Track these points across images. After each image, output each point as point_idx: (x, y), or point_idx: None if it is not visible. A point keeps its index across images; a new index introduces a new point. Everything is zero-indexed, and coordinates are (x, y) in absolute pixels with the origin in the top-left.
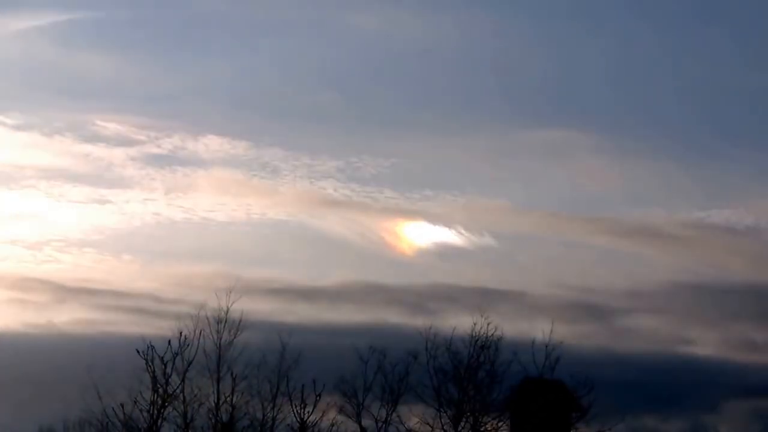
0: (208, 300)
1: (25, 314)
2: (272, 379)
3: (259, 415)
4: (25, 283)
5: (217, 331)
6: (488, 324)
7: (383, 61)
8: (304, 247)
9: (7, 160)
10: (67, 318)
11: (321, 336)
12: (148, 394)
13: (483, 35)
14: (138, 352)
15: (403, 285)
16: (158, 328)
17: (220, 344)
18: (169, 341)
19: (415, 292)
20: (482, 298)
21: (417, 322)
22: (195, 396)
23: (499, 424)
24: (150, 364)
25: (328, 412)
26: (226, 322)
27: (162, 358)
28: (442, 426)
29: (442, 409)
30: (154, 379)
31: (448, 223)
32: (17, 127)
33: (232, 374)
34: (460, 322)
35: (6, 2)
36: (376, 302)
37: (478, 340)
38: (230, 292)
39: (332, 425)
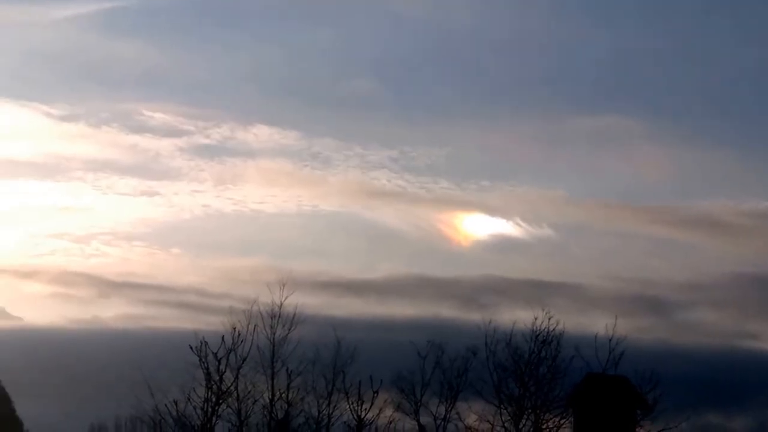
0: (255, 294)
1: (70, 309)
2: (327, 375)
3: (315, 412)
4: (70, 278)
5: (271, 326)
6: (549, 318)
7: (437, 49)
8: (355, 240)
9: (53, 151)
10: (112, 313)
11: (373, 330)
12: (201, 391)
13: (535, 21)
14: (191, 348)
15: (455, 278)
16: (205, 323)
17: (274, 339)
18: (223, 337)
19: (468, 285)
20: (537, 290)
21: (470, 316)
22: (249, 393)
23: (562, 422)
24: (203, 360)
25: (385, 409)
26: (279, 317)
27: (215, 354)
28: (503, 423)
29: (502, 406)
30: (207, 375)
31: (505, 214)
32: (63, 118)
33: (287, 370)
34: (515, 316)
35: None
36: (427, 295)
37: (539, 334)
38: (283, 286)
39: (390, 423)
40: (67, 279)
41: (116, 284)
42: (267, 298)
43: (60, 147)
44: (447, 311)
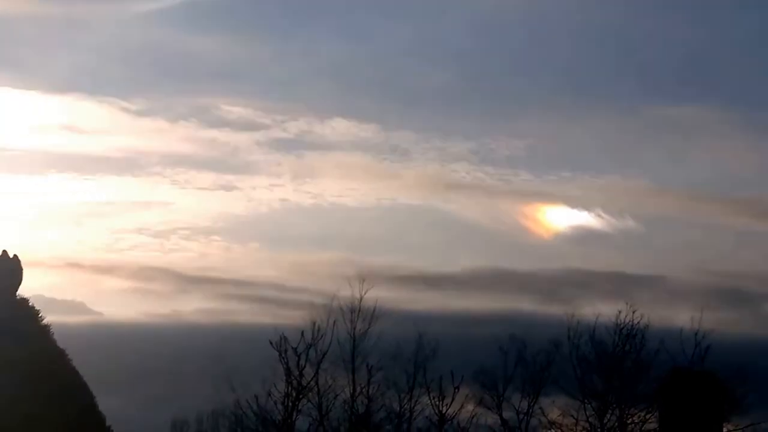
0: (333, 288)
1: (149, 304)
2: (408, 370)
3: (396, 407)
4: (149, 273)
5: (351, 321)
6: (633, 311)
7: (516, 41)
8: (434, 233)
9: (131, 146)
10: (191, 308)
11: (452, 324)
12: (281, 386)
13: (614, 11)
14: (271, 343)
15: (535, 271)
16: (283, 318)
17: (354, 334)
18: (303, 332)
19: (548, 278)
20: (620, 283)
21: (551, 309)
22: (329, 387)
23: (647, 416)
24: (283, 356)
25: (466, 404)
26: (359, 311)
27: (295, 350)
28: (587, 418)
29: (586, 401)
30: (287, 370)
31: (586, 205)
32: (141, 113)
33: (367, 365)
34: (597, 309)
35: None
36: (507, 289)
37: (623, 328)
38: (363, 280)
39: (471, 417)
40: (145, 274)
41: (194, 279)
42: (346, 293)
43: (138, 142)
44: (527, 305)
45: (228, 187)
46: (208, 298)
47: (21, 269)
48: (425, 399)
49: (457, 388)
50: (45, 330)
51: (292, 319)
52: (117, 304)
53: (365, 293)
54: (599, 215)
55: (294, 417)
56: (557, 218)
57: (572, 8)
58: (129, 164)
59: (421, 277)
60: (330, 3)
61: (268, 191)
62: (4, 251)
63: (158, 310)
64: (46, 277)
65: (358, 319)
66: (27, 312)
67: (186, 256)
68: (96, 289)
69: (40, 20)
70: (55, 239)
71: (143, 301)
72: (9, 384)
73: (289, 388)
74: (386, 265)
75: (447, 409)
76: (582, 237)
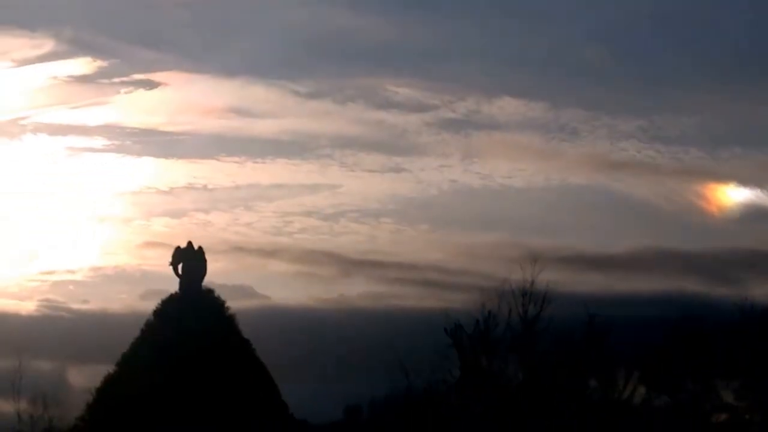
0: (495, 270)
1: (315, 288)
2: (580, 353)
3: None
4: (314, 256)
5: (523, 305)
6: None
7: (682, 14)
8: (603, 213)
9: (300, 129)
10: (356, 292)
11: (619, 305)
12: (455, 372)
13: None
14: (446, 330)
15: (705, 250)
16: (447, 301)
17: (526, 318)
18: (477, 321)
19: (719, 257)
20: None
21: (719, 291)
22: (503, 372)
23: None
24: (458, 343)
25: (639, 387)
26: (531, 294)
27: (470, 336)
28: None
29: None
30: (462, 358)
31: (760, 183)
32: (309, 95)
33: (538, 349)
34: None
35: None
36: (675, 269)
37: None
38: (535, 262)
39: (644, 401)
40: (311, 257)
41: (358, 262)
42: (514, 275)
43: (307, 125)
44: (694, 286)
45: (397, 169)
46: (372, 281)
47: (205, 260)
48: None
49: (630, 371)
50: (231, 321)
51: (457, 302)
52: (284, 287)
53: (537, 275)
54: None
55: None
56: (729, 197)
57: None
58: (298, 147)
59: (587, 258)
60: None
61: (438, 172)
62: (189, 242)
63: (325, 295)
64: (216, 262)
65: (530, 302)
66: (213, 302)
67: (350, 239)
68: (262, 273)
69: (207, 4)
70: (224, 223)
71: (309, 284)
72: (197, 375)
73: (465, 374)
74: (551, 246)
75: (620, 394)
76: (755, 216)
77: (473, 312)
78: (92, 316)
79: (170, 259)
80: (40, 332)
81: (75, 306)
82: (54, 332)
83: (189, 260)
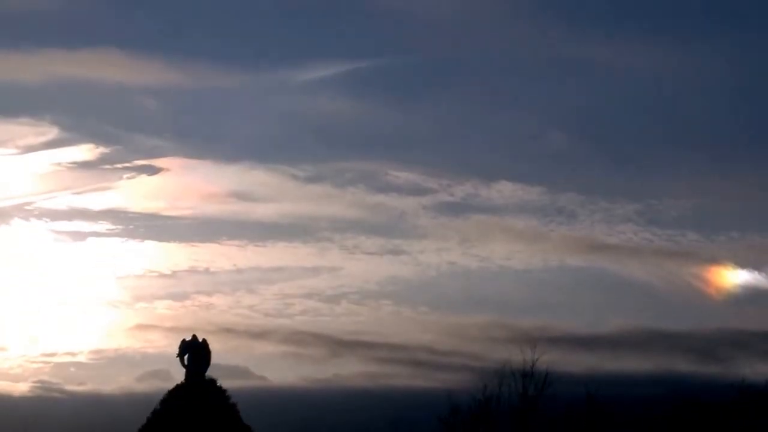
0: (483, 350)
1: (306, 369)
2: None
3: None
4: (305, 338)
5: (524, 385)
6: None
7: (676, 101)
8: (601, 294)
9: (301, 212)
10: (348, 371)
11: (608, 385)
12: None
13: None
14: (439, 419)
15: (689, 331)
16: (439, 381)
17: (527, 398)
18: (476, 399)
19: (709, 338)
20: None
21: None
22: None
23: None
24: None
25: None
26: (532, 375)
27: (470, 418)
28: None
29: None
30: None
31: (756, 265)
32: (309, 179)
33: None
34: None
35: (292, 55)
36: (670, 350)
37: None
38: (535, 346)
39: None
40: (304, 339)
41: (348, 343)
42: (499, 355)
43: (307, 208)
44: (681, 365)
45: (396, 252)
46: (362, 361)
47: (209, 352)
48: None
49: None
50: (233, 409)
51: (449, 382)
52: (278, 368)
53: (538, 359)
54: None
55: None
56: (726, 278)
57: (720, 68)
58: (299, 230)
59: (575, 338)
60: (489, 68)
61: (436, 255)
62: (194, 335)
63: (318, 375)
64: (215, 342)
65: (531, 383)
66: (217, 392)
67: (339, 320)
68: (257, 353)
69: (209, 92)
70: (226, 305)
71: (301, 365)
72: None
73: None
74: (541, 326)
75: None
76: (748, 297)
77: (473, 392)
78: (85, 397)
79: (177, 351)
80: (32, 413)
81: (69, 387)
82: (45, 413)
83: (194, 352)
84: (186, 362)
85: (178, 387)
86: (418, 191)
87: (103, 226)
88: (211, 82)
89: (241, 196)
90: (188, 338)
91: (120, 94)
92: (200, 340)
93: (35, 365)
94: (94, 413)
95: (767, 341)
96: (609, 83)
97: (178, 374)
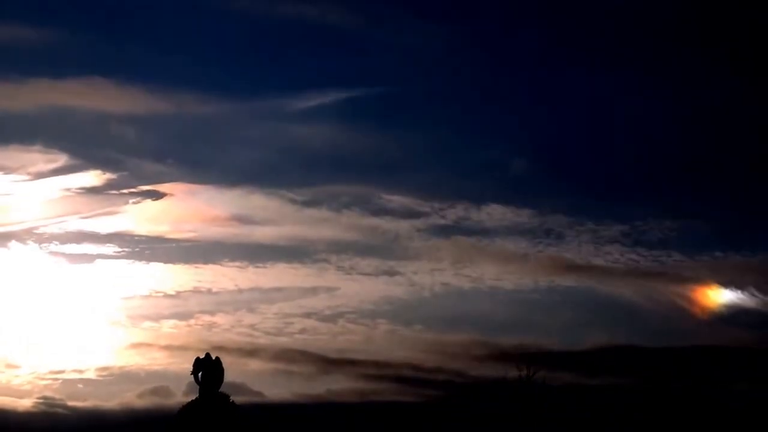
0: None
1: (300, 384)
2: None
3: None
4: (295, 355)
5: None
6: None
7: (660, 126)
8: (588, 314)
9: (299, 234)
10: (339, 387)
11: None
12: None
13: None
14: None
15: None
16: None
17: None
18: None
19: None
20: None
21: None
22: None
23: None
24: None
25: None
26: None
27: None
28: None
29: None
30: None
31: (739, 285)
32: (307, 203)
33: None
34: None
35: (291, 84)
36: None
37: None
38: (530, 363)
39: None
40: (288, 356)
41: (335, 361)
42: (489, 372)
43: (305, 231)
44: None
45: (391, 272)
46: (349, 378)
47: (222, 370)
48: None
49: None
50: (244, 423)
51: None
52: (274, 384)
53: (533, 374)
54: (753, 294)
55: None
56: (710, 298)
57: (717, 92)
58: (297, 252)
59: (561, 355)
60: (477, 99)
61: (429, 275)
62: (207, 354)
63: (310, 391)
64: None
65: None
66: (229, 407)
67: (322, 339)
68: (256, 370)
69: (210, 120)
70: (227, 323)
71: (293, 381)
72: None
73: None
74: (516, 344)
75: None
76: (734, 316)
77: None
78: (86, 413)
79: (182, 368)
80: (35, 428)
81: (71, 403)
82: (46, 428)
83: (208, 369)
84: (200, 379)
85: (192, 402)
86: (411, 214)
87: (111, 248)
88: (212, 109)
89: (241, 219)
90: (202, 356)
91: (127, 122)
92: (213, 358)
93: (44, 382)
94: (94, 429)
95: (751, 359)
96: (596, 109)
97: (179, 391)
